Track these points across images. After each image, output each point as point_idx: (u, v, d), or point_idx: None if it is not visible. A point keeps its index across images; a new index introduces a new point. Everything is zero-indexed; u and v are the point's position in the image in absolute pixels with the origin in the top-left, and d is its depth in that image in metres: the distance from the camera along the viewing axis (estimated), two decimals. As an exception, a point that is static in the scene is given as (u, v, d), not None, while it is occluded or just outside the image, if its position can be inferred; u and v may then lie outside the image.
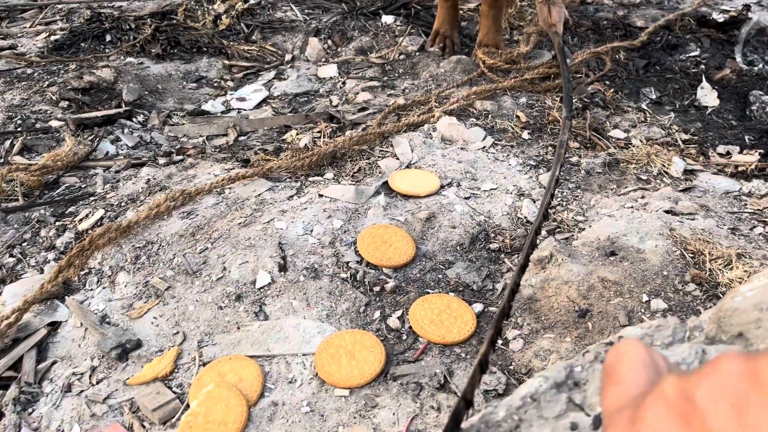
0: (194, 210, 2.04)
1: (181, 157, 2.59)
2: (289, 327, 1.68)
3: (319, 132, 2.72)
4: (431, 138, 2.50)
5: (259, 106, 3.16)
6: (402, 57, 3.46)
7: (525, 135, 2.58)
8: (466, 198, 2.14)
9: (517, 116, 2.73)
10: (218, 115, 3.04)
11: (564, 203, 2.15)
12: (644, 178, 2.30)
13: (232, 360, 1.60)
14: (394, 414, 1.45)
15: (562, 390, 0.88)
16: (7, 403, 1.60)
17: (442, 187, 2.18)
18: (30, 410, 1.60)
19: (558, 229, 2.01)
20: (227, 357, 1.61)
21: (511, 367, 1.56)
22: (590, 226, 2.00)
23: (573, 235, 1.98)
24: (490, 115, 2.72)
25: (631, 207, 2.07)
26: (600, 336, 1.57)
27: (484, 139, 2.50)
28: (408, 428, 1.41)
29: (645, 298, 1.65)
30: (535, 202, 2.13)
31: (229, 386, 1.54)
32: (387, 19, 3.75)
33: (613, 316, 1.61)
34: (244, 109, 3.12)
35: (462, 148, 2.44)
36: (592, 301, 1.66)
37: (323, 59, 3.58)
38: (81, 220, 2.10)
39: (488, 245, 1.95)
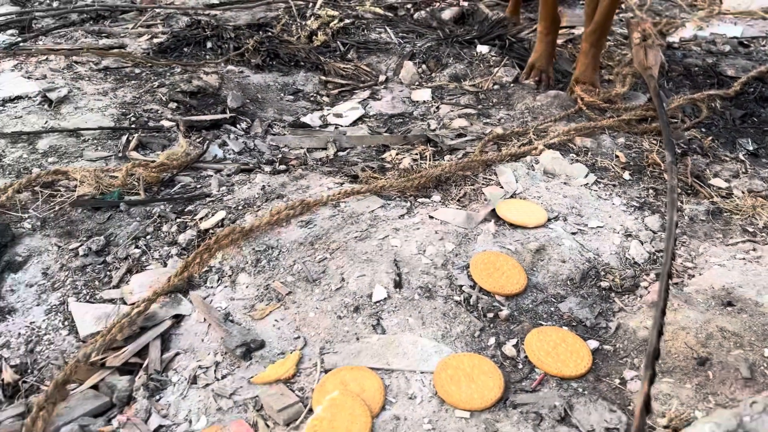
0: (312, 220, 2.12)
1: (284, 166, 2.68)
2: (407, 343, 1.72)
3: (417, 154, 2.78)
4: (534, 170, 2.53)
5: (354, 123, 3.25)
6: (496, 87, 3.52)
7: (626, 175, 2.59)
8: (573, 233, 2.16)
9: (616, 156, 2.75)
10: (317, 128, 3.14)
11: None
12: (750, 230, 2.29)
13: (354, 370, 1.65)
14: (516, 440, 1.48)
15: (733, 437, 0.91)
16: (138, 388, 1.68)
17: (549, 219, 2.21)
18: (158, 398, 1.67)
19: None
20: (349, 367, 1.67)
21: (630, 407, 1.57)
22: (701, 274, 2.00)
23: (683, 281, 1.98)
24: (590, 153, 2.74)
25: (743, 258, 2.06)
26: (722, 386, 1.57)
27: (586, 176, 2.53)
28: (532, 456, 1.43)
29: (767, 353, 1.65)
30: (643, 244, 2.14)
31: (353, 395, 1.59)
32: (482, 48, 3.82)
33: (734, 368, 1.61)
34: (341, 126, 3.21)
35: (565, 183, 2.47)
36: (712, 350, 1.67)
37: (417, 83, 3.66)
38: (201, 219, 2.20)
39: (599, 282, 1.97)
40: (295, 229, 2.08)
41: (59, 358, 1.80)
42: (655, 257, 2.09)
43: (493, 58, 3.74)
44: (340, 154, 2.89)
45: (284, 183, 2.38)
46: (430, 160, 2.66)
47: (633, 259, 2.08)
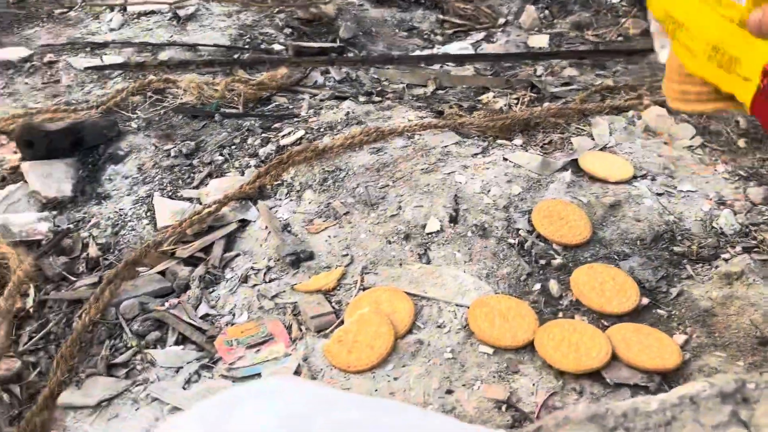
0: (384, 148, 2.13)
1: (380, 99, 2.70)
2: (447, 276, 1.72)
3: (516, 99, 2.68)
4: (634, 125, 2.36)
5: (462, 64, 3.18)
6: (620, 39, 3.27)
7: (741, 143, 2.34)
8: (658, 194, 2.00)
9: (737, 121, 2.48)
10: (422, 66, 3.11)
11: (770, 223, 1.94)
12: None
13: (389, 291, 1.68)
14: (534, 385, 1.44)
15: (727, 402, 0.82)
16: (194, 278, 1.82)
17: (634, 177, 2.07)
18: (211, 290, 1.81)
19: (756, 249, 1.82)
20: (386, 288, 1.69)
21: (668, 375, 1.47)
22: (795, 254, 1.79)
23: (772, 259, 1.79)
24: (704, 115, 2.49)
25: None
26: (779, 370, 1.42)
27: (692, 137, 2.31)
28: (545, 402, 1.40)
29: None
30: (736, 215, 1.94)
31: (381, 315, 1.62)
32: (613, -4, 3.55)
33: (801, 354, 1.45)
34: (448, 64, 3.16)
35: (665, 143, 2.28)
36: (780, 332, 1.50)
37: (536, 28, 3.50)
38: (283, 136, 2.29)
39: (672, 247, 1.83)
40: (366, 155, 2.11)
41: (137, 244, 1.98)
42: (747, 230, 1.90)
43: (623, 8, 3.47)
44: (439, 92, 2.85)
45: (368, 111, 2.41)
46: (524, 106, 2.56)
47: (720, 228, 1.90)
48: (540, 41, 3.33)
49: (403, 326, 1.60)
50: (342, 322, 1.65)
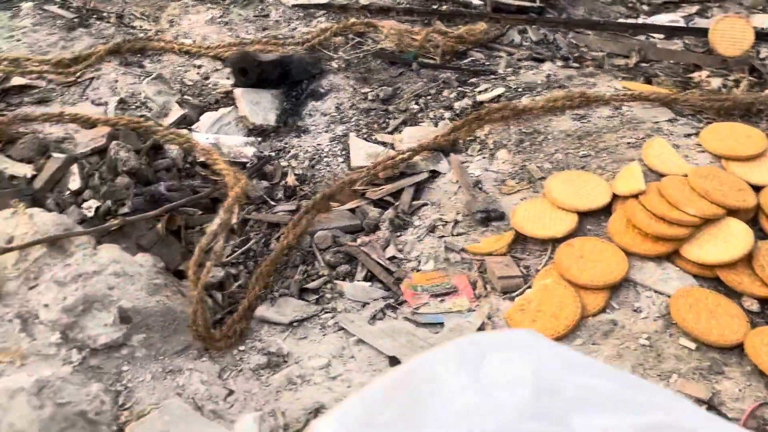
0: (587, 116, 2.03)
1: (577, 64, 2.57)
2: (650, 262, 1.61)
3: (733, 80, 2.44)
4: None
5: (670, 37, 2.93)
6: None
7: None
8: None
9: None
10: (624, 35, 2.91)
11: None
12: None
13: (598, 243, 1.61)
14: (740, 391, 1.33)
15: None
16: (385, 220, 1.86)
17: None
18: (398, 234, 1.84)
19: None
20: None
21: None
22: None
23: None
24: None
25: None
26: None
27: None
28: (753, 411, 1.28)
29: None
30: None
31: (566, 286, 1.56)
32: None
33: None
34: (653, 37, 2.93)
35: None
36: None
37: (761, 7, 3.14)
38: (480, 92, 2.25)
39: None
40: (567, 120, 2.02)
41: (331, 179, 2.06)
42: None
43: None
44: (642, 65, 2.66)
45: (571, 76, 2.30)
46: (745, 89, 2.32)
47: None
48: (765, 21, 2.98)
49: (596, 305, 1.53)
50: (530, 287, 1.61)
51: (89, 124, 1.98)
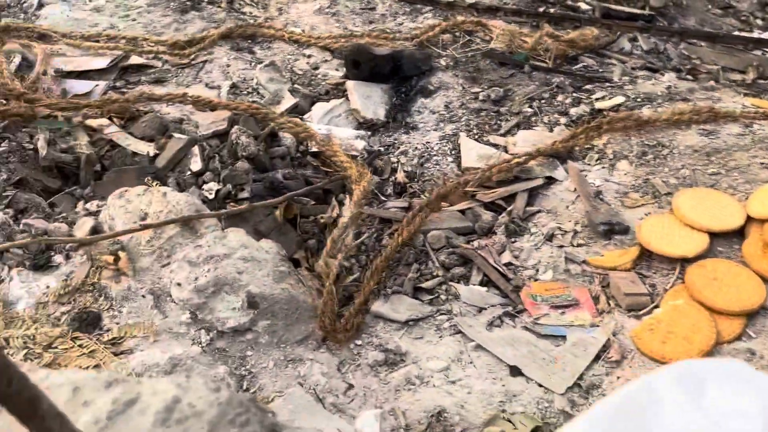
0: (715, 131, 1.95)
1: (691, 77, 2.48)
2: (788, 288, 1.53)
3: None
4: None
5: (789, 54, 2.80)
6: None
7: None
8: None
9: None
10: (740, 49, 2.79)
11: None
12: None
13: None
14: None
15: None
16: (500, 225, 1.82)
17: None
18: (513, 240, 1.80)
19: None
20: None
21: None
22: None
23: None
24: None
25: None
26: None
27: None
28: None
29: None
30: None
31: (700, 309, 1.49)
32: None
33: None
34: (770, 52, 2.80)
35: None
36: None
37: None
38: (597, 99, 2.18)
39: None
40: (693, 135, 1.94)
41: (440, 178, 2.03)
42: None
43: None
44: (760, 82, 2.54)
45: (692, 89, 2.21)
46: None
47: None
48: None
49: (732, 331, 1.46)
50: (657, 307, 1.56)
51: (210, 107, 2.00)
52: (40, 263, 1.48)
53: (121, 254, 1.47)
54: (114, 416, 0.85)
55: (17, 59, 2.26)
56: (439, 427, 1.35)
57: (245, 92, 2.29)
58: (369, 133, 2.17)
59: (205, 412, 0.88)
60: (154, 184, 1.61)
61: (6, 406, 0.63)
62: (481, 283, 1.69)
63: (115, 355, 1.33)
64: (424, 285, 1.69)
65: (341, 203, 1.93)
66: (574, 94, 2.24)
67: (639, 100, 2.17)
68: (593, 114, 2.12)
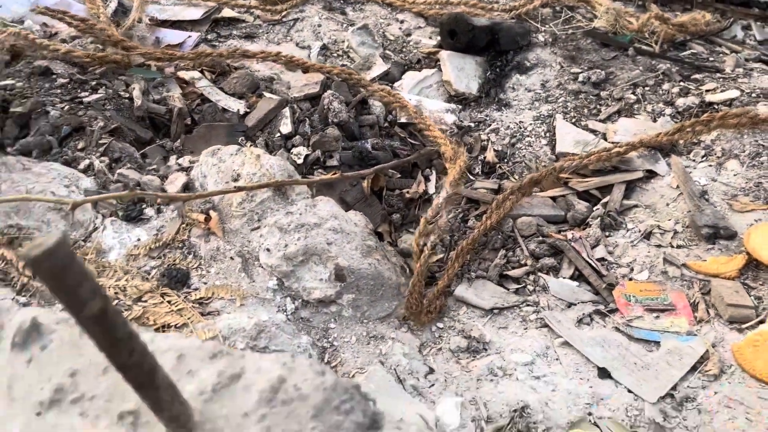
0: (842, 137, 1.79)
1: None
2: None
3: None
4: None
5: None
6: None
7: None
8: None
9: None
10: None
11: None
12: None
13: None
14: None
15: None
16: (595, 217, 1.73)
17: None
18: (607, 233, 1.71)
19: None
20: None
21: None
22: None
23: None
24: None
25: None
26: None
27: None
28: None
29: None
30: None
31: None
32: None
33: None
34: None
35: None
36: None
37: None
38: (708, 91, 2.04)
39: None
40: (818, 140, 1.79)
41: (533, 161, 1.95)
42: None
43: None
44: None
45: (816, 88, 2.04)
46: None
47: None
48: None
49: None
50: (762, 323, 1.45)
51: (303, 68, 1.96)
52: (133, 215, 1.48)
53: (212, 213, 1.46)
54: (219, 389, 0.83)
55: (113, 3, 2.27)
56: (522, 423, 1.31)
57: (335, 54, 2.23)
58: (460, 107, 2.09)
59: (310, 396, 0.86)
60: (248, 144, 1.59)
61: (125, 375, 0.61)
62: (572, 277, 1.62)
63: (202, 315, 1.33)
64: (511, 273, 1.63)
65: (427, 178, 1.88)
66: (682, 84, 2.10)
67: (754, 95, 2.01)
68: (703, 107, 1.98)
